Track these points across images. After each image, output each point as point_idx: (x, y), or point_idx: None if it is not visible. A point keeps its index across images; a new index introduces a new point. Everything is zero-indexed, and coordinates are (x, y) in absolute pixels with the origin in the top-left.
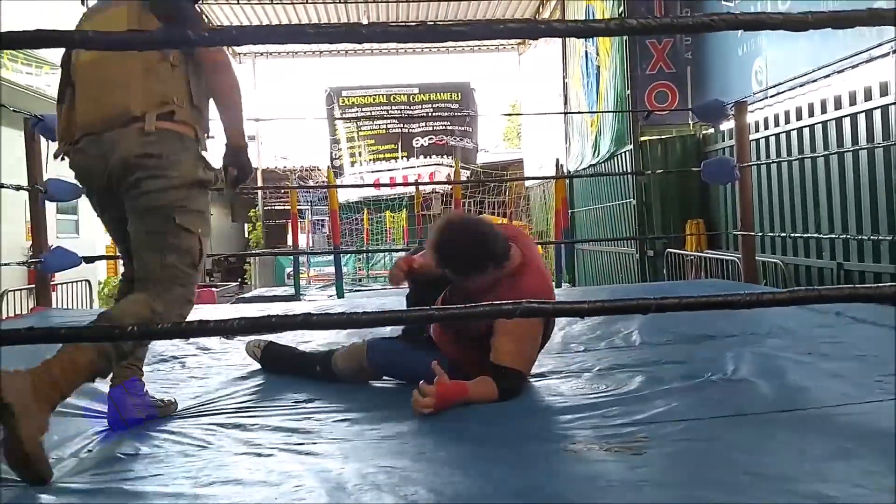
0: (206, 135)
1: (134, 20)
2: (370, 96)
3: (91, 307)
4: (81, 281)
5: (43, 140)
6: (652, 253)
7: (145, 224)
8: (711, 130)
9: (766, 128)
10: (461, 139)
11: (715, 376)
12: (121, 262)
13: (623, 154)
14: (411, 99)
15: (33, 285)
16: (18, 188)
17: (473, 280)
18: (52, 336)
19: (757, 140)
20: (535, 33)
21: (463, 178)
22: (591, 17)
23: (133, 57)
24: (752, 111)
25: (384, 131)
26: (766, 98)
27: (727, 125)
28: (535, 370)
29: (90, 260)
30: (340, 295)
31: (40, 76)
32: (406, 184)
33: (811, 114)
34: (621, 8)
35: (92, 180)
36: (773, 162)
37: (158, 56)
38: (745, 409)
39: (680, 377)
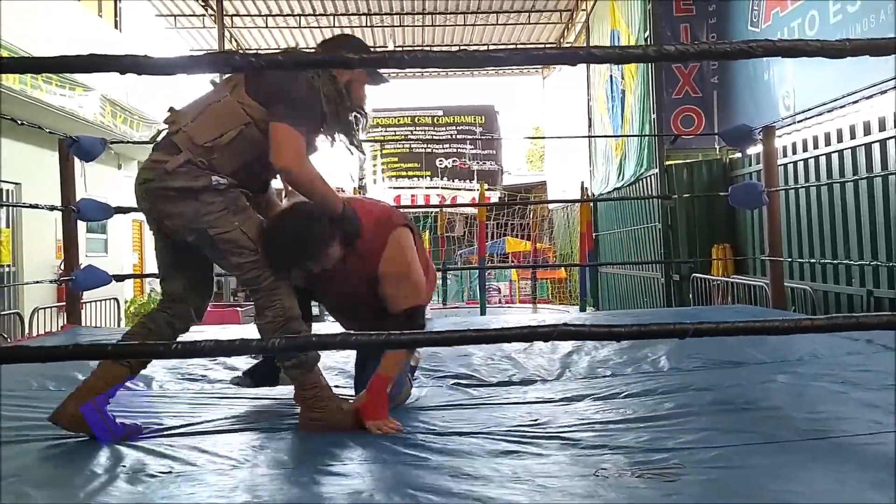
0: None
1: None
2: (395, 118)
3: (119, 325)
4: (109, 299)
5: (77, 161)
6: (678, 277)
7: (202, 249)
8: (738, 155)
9: (795, 153)
10: (484, 162)
11: (746, 403)
12: (147, 280)
13: (648, 178)
14: (435, 121)
15: (62, 303)
16: (52, 208)
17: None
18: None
19: (785, 165)
20: (572, 59)
21: (489, 201)
22: (616, 42)
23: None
24: (779, 136)
25: (407, 150)
26: (794, 123)
27: (754, 150)
28: (562, 394)
29: (120, 279)
30: None
31: (73, 98)
32: (428, 205)
33: (840, 139)
34: (647, 33)
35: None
36: (801, 187)
37: (216, 96)
38: (778, 437)
39: (710, 404)
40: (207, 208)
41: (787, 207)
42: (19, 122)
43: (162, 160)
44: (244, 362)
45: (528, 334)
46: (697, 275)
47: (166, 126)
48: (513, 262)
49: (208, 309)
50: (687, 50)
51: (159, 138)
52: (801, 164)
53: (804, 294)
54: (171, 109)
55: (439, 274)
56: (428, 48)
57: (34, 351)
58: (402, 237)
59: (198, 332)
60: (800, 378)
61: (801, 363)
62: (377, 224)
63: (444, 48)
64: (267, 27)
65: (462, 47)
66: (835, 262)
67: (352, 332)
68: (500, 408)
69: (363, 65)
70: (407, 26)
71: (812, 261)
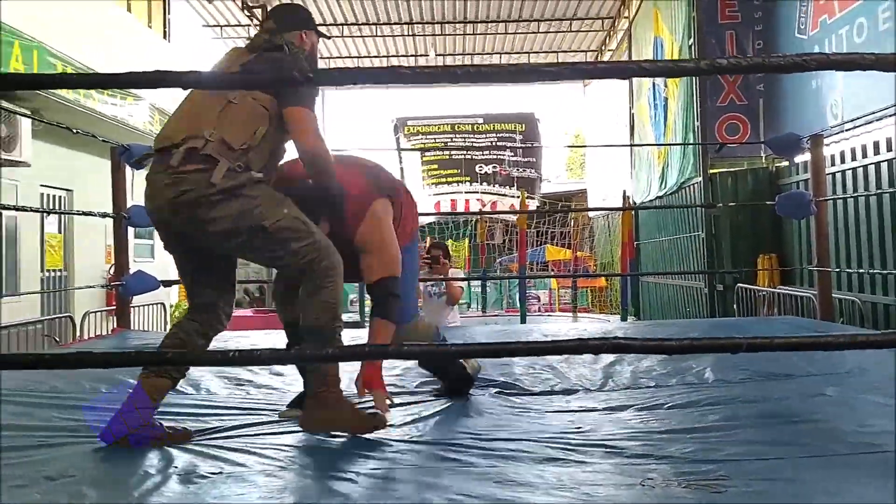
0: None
1: (232, 63)
2: (435, 125)
3: (165, 329)
4: (156, 304)
5: (128, 168)
6: (721, 287)
7: (252, 249)
8: (785, 163)
9: (843, 162)
10: (524, 169)
11: (794, 416)
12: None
13: (692, 186)
14: (475, 128)
15: (112, 307)
16: (105, 215)
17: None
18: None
19: (833, 174)
20: (623, 73)
21: (530, 208)
22: (659, 49)
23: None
24: (827, 144)
25: (447, 157)
26: (843, 131)
27: (802, 158)
28: (605, 404)
29: (167, 284)
30: None
31: (123, 107)
32: (468, 212)
33: (889, 148)
34: (691, 40)
35: (151, 216)
36: (850, 197)
37: (226, 94)
38: (827, 451)
39: (757, 416)
40: (253, 202)
41: (836, 217)
42: (74, 130)
43: (198, 170)
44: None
45: (578, 347)
46: (742, 285)
47: (178, 143)
48: (553, 270)
49: (251, 314)
50: (739, 63)
51: (175, 160)
52: (849, 174)
53: (852, 305)
54: (175, 126)
55: (478, 283)
56: (479, 63)
57: (97, 356)
58: (378, 209)
59: (242, 338)
60: (848, 391)
61: (849, 376)
62: (358, 197)
63: (485, 58)
64: None
65: (503, 55)
66: (884, 272)
67: (406, 342)
68: (543, 416)
69: (416, 80)
70: (448, 35)
71: (860, 271)
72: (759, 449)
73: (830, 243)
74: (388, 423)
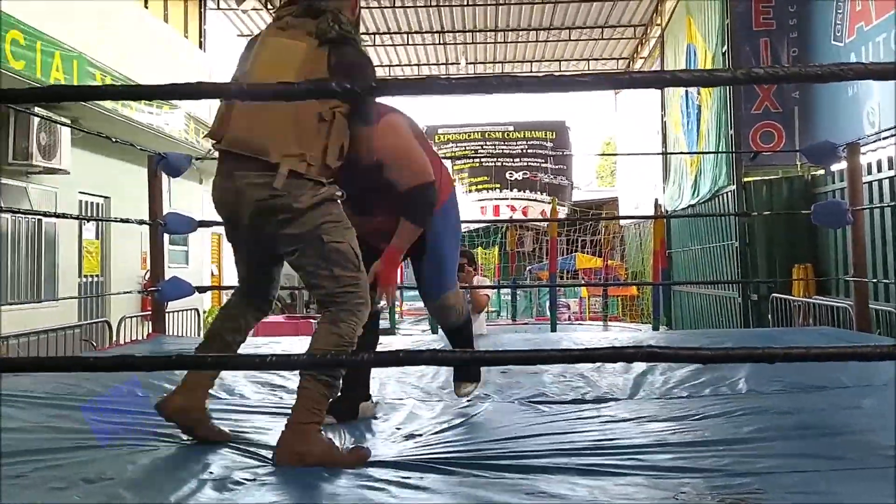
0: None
1: (310, 59)
2: (466, 133)
3: (199, 334)
4: (190, 310)
5: (164, 176)
6: (756, 297)
7: (302, 256)
8: (820, 172)
9: (880, 170)
10: (555, 177)
11: (830, 428)
12: (225, 291)
13: (725, 195)
14: (506, 136)
15: (147, 312)
16: (142, 222)
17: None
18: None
19: (869, 183)
20: (659, 83)
21: (560, 216)
22: (692, 57)
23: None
24: (864, 153)
25: (478, 164)
26: (879, 140)
27: (838, 167)
28: (636, 414)
29: (202, 290)
30: (434, 330)
31: (160, 115)
32: (498, 220)
33: None
34: (724, 48)
35: (224, 208)
36: (887, 206)
37: (315, 106)
38: (864, 464)
39: (792, 428)
40: (327, 217)
41: (872, 226)
42: (113, 139)
43: (292, 183)
44: None
45: (612, 355)
46: (777, 295)
47: (275, 161)
48: (583, 278)
49: (283, 320)
50: (776, 72)
51: (278, 182)
52: (886, 182)
53: (889, 316)
54: (257, 130)
55: (508, 291)
56: (514, 73)
57: (139, 360)
58: (390, 121)
59: (275, 343)
60: (884, 403)
61: (884, 388)
62: None
63: (516, 66)
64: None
65: (534, 63)
66: None
67: (437, 350)
68: (573, 426)
69: (454, 91)
70: (479, 43)
71: None
72: (795, 461)
73: (867, 253)
74: (370, 457)
